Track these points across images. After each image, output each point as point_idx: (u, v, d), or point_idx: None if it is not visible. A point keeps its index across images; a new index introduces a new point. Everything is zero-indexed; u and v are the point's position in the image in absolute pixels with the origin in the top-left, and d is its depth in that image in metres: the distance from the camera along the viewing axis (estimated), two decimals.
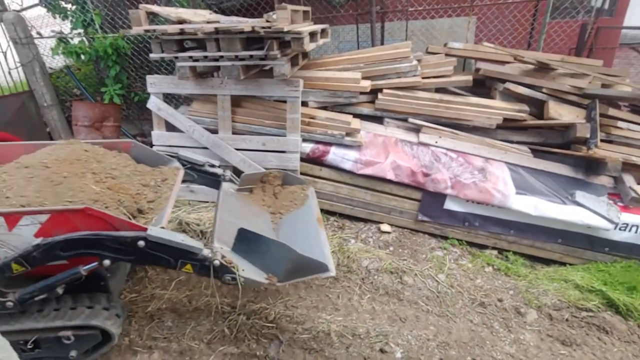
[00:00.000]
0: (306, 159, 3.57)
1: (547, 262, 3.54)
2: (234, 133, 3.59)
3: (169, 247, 1.74)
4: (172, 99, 4.84)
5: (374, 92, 3.74)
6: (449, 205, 3.47)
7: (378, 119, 3.83)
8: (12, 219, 1.67)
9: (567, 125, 3.56)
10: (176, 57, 3.25)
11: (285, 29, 2.84)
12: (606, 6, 4.39)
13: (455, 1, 4.40)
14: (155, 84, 3.65)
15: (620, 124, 3.54)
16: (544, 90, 3.65)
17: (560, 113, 3.58)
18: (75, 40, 4.83)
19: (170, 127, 3.77)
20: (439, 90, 3.92)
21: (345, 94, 3.61)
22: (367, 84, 3.59)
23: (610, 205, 3.35)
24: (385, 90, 3.71)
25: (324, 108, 3.72)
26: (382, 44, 4.53)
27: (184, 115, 3.67)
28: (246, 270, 1.84)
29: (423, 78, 3.76)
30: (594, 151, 3.36)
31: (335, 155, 3.50)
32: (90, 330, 1.95)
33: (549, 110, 3.57)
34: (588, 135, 3.42)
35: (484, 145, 3.65)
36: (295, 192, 2.61)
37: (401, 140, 3.66)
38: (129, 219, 1.89)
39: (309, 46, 3.19)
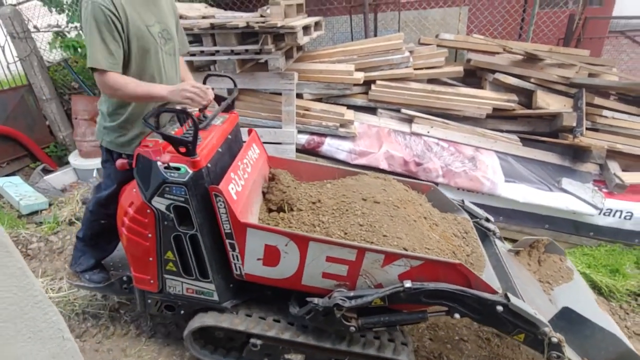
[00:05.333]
0: (302, 150, 3.67)
1: None
2: None
3: (518, 316, 1.70)
4: None
5: (368, 83, 3.83)
6: None
7: (372, 110, 3.93)
8: (391, 258, 1.73)
9: (554, 114, 3.67)
10: None
11: (279, 24, 2.92)
12: None
13: None
14: None
15: (605, 112, 3.65)
16: (532, 80, 3.75)
17: (548, 102, 3.68)
18: (72, 34, 4.87)
19: None
20: (431, 81, 4.01)
21: (339, 86, 3.70)
22: (360, 76, 3.68)
23: (595, 192, 3.47)
24: (378, 82, 3.81)
25: (319, 100, 3.82)
26: (375, 34, 4.60)
27: None
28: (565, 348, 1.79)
29: (415, 69, 3.85)
30: (580, 139, 3.48)
31: (330, 146, 3.60)
32: None
33: (537, 99, 3.68)
34: (574, 124, 3.54)
35: (475, 135, 3.76)
36: (557, 263, 2.50)
37: (394, 130, 3.76)
38: None
39: (303, 40, 3.27)
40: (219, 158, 1.94)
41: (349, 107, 3.82)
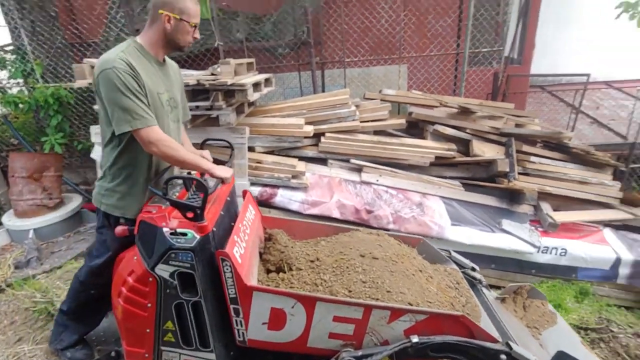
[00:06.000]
0: (255, 202, 3.67)
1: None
2: None
3: None
4: None
5: (317, 136, 3.99)
6: None
7: (322, 161, 4.06)
8: (397, 314, 1.73)
9: (490, 161, 3.98)
10: None
11: (229, 82, 3.03)
12: (515, 56, 5.06)
13: (386, 52, 4.87)
14: (101, 134, 3.65)
15: (533, 158, 4.02)
16: (467, 130, 4.08)
17: (484, 150, 4.01)
18: (14, 90, 4.73)
19: None
20: (377, 132, 4.24)
21: (290, 139, 3.82)
22: (310, 129, 3.83)
23: (532, 231, 3.73)
24: (327, 134, 3.98)
25: (271, 152, 3.90)
26: (323, 90, 4.85)
27: None
28: None
29: (362, 122, 4.08)
30: (514, 183, 3.78)
31: (282, 197, 3.64)
32: None
33: (473, 148, 3.99)
34: (508, 169, 3.85)
35: (421, 182, 3.97)
36: (540, 307, 2.59)
37: (345, 180, 3.89)
38: None
39: (253, 96, 3.39)
40: (221, 221, 1.94)
41: (301, 158, 3.93)
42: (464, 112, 4.15)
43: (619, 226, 3.94)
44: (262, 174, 3.66)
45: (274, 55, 4.95)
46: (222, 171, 1.97)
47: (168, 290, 1.80)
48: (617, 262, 3.56)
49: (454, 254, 2.60)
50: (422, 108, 4.36)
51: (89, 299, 2.22)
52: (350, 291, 1.86)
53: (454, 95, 4.85)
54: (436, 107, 4.34)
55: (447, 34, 4.87)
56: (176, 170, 2.20)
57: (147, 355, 1.93)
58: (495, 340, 1.77)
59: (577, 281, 3.66)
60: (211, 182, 1.95)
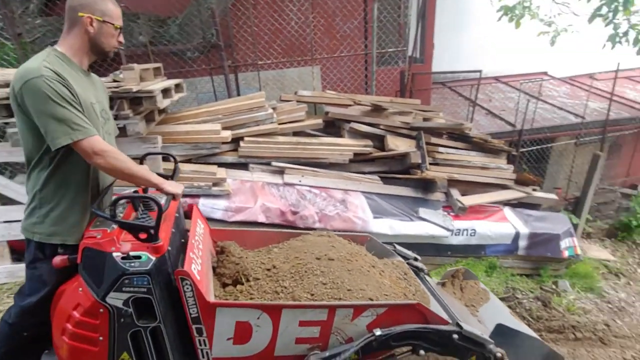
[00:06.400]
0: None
1: None
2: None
3: (470, 341, 1.87)
4: (5, 168, 4.22)
5: (236, 140, 3.90)
6: None
7: (243, 166, 3.98)
8: (360, 310, 1.80)
9: (404, 154, 4.23)
10: (7, 123, 2.93)
11: (135, 89, 2.82)
12: (417, 55, 5.45)
13: (298, 54, 4.93)
14: (25, 154, 3.18)
15: (440, 149, 4.36)
16: (381, 126, 4.30)
17: (397, 144, 4.25)
18: None
19: (8, 200, 3.29)
20: (296, 133, 4.27)
21: (207, 146, 3.69)
22: (227, 134, 3.73)
23: (445, 216, 4.04)
24: (246, 138, 3.91)
25: (188, 161, 3.72)
26: (238, 93, 4.76)
27: (24, 186, 3.26)
28: None
29: (280, 124, 4.08)
30: (426, 173, 4.06)
31: (204, 206, 3.50)
32: None
33: (388, 143, 4.21)
34: (420, 161, 4.13)
35: (342, 179, 4.08)
36: (474, 287, 2.77)
37: (268, 183, 3.86)
38: None
39: (163, 103, 3.20)
40: (173, 239, 1.84)
41: (220, 165, 3.81)
42: (377, 109, 4.35)
43: (515, 204, 4.45)
44: None
45: (183, 59, 4.73)
46: (173, 187, 1.83)
47: (122, 320, 1.68)
48: (517, 236, 4.01)
49: (397, 247, 2.75)
50: (338, 107, 4.49)
51: (22, 342, 1.94)
52: (312, 294, 1.89)
53: (366, 93, 5.07)
54: (350, 105, 4.50)
55: (355, 36, 5.07)
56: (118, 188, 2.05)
57: None
58: (446, 322, 1.92)
59: (486, 257, 4.06)
60: (161, 199, 1.82)
